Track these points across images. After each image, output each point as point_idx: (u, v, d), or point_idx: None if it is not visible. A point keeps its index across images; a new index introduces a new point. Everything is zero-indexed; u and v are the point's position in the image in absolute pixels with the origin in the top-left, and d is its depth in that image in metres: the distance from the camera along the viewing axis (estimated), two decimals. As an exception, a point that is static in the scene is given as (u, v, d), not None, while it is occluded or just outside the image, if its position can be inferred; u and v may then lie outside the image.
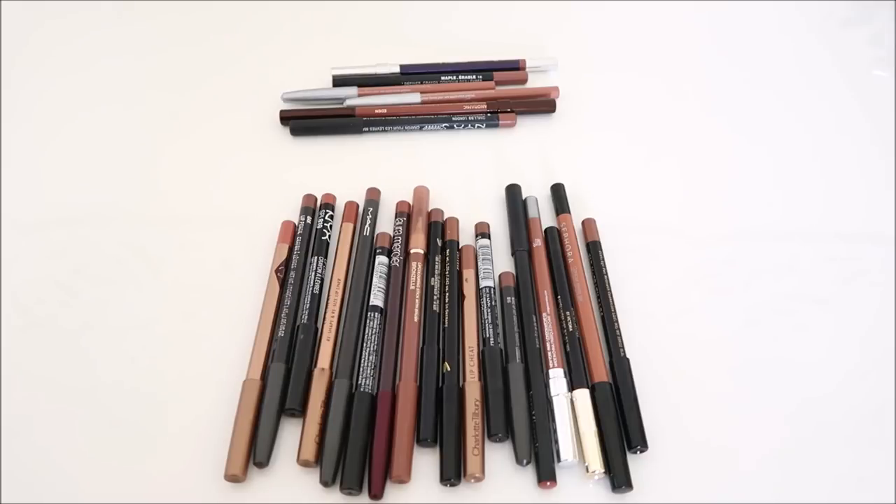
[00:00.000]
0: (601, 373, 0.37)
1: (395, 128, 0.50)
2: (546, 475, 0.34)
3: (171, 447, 0.35)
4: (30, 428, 0.36)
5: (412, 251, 0.42)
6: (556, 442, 0.35)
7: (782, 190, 0.47)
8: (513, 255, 0.43)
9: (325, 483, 0.33)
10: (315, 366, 0.37)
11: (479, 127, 0.51)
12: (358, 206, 0.45)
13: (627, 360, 0.38)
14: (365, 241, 0.43)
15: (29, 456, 0.35)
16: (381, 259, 0.42)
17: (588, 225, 0.44)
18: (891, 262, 0.43)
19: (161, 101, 0.52)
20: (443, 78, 0.53)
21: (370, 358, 0.37)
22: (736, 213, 0.46)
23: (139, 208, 0.45)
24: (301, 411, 0.36)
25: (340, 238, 0.43)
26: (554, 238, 0.43)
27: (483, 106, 0.51)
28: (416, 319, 0.39)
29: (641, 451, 0.35)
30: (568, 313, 0.40)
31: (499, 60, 0.54)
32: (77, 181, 0.47)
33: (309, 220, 0.44)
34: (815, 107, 0.53)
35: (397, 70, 0.53)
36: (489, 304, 0.40)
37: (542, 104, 0.52)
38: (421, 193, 0.46)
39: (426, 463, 0.35)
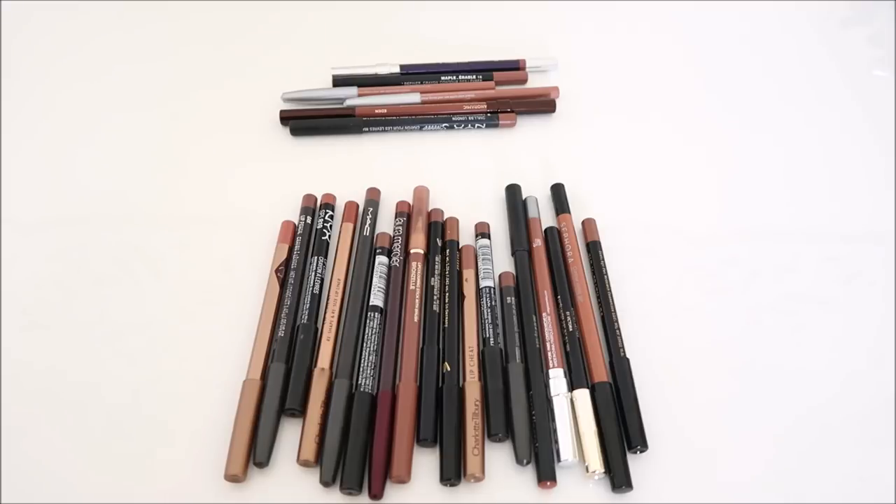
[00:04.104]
0: (601, 373, 0.37)
1: (395, 128, 0.50)
2: (546, 475, 0.34)
3: (171, 447, 0.35)
4: (29, 428, 0.36)
5: (412, 251, 0.42)
6: (556, 442, 0.35)
7: (782, 190, 0.47)
8: (513, 255, 0.43)
9: (326, 483, 0.33)
10: (315, 366, 0.37)
11: (479, 127, 0.51)
12: (358, 206, 0.45)
13: (627, 360, 0.38)
14: (365, 241, 0.43)
15: (29, 456, 0.35)
16: (381, 259, 0.42)
17: (588, 225, 0.44)
18: (891, 262, 0.43)
19: (161, 102, 0.52)
20: (443, 78, 0.53)
21: (370, 358, 0.37)
22: (736, 213, 0.46)
23: (139, 208, 0.45)
24: (301, 411, 0.36)
25: (340, 238, 0.43)
26: (554, 238, 0.43)
27: (483, 106, 0.51)
28: (416, 319, 0.39)
29: (641, 451, 0.35)
30: (568, 313, 0.40)
31: (499, 60, 0.54)
32: (77, 181, 0.47)
33: (309, 220, 0.44)
34: (815, 107, 0.53)
35: (397, 70, 0.53)
36: (489, 304, 0.40)
37: (542, 104, 0.52)
38: (421, 193, 0.46)
39: (426, 463, 0.35)
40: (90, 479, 0.34)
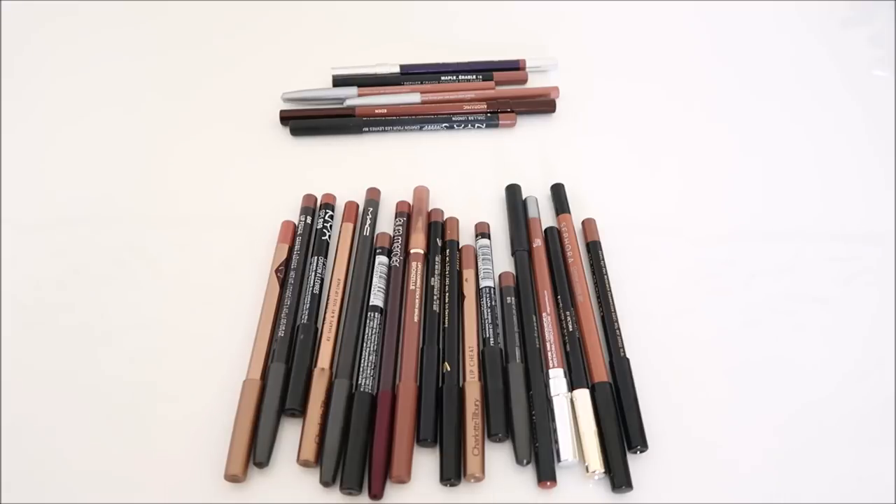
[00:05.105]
0: (601, 373, 0.37)
1: (395, 128, 0.50)
2: (546, 475, 0.34)
3: (171, 447, 0.35)
4: (29, 428, 0.36)
5: (412, 251, 0.42)
6: (556, 442, 0.35)
7: (782, 190, 0.47)
8: (513, 255, 0.43)
9: (326, 483, 0.33)
10: (315, 366, 0.37)
11: (479, 127, 0.51)
12: (358, 206, 0.45)
13: (627, 360, 0.38)
14: (365, 241, 0.43)
15: (29, 456, 0.35)
16: (381, 259, 0.42)
17: (588, 225, 0.44)
18: (890, 262, 0.43)
19: (161, 102, 0.52)
20: (443, 78, 0.53)
21: (370, 358, 0.37)
22: (736, 213, 0.46)
23: (139, 208, 0.45)
24: (301, 411, 0.36)
25: (340, 238, 0.43)
26: (554, 238, 0.43)
27: (483, 106, 0.51)
28: (416, 319, 0.39)
29: (641, 451, 0.35)
30: (568, 313, 0.40)
31: (499, 60, 0.54)
32: (77, 181, 0.47)
33: (309, 220, 0.44)
34: (815, 107, 0.53)
35: (397, 70, 0.53)
36: (489, 304, 0.40)
37: (542, 104, 0.52)
38: (421, 193, 0.46)
39: (426, 463, 0.35)
40: (90, 478, 0.34)
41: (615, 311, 0.40)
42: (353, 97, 0.52)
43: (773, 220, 0.46)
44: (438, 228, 0.44)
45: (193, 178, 0.47)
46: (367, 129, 0.50)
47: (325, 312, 0.39)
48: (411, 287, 0.40)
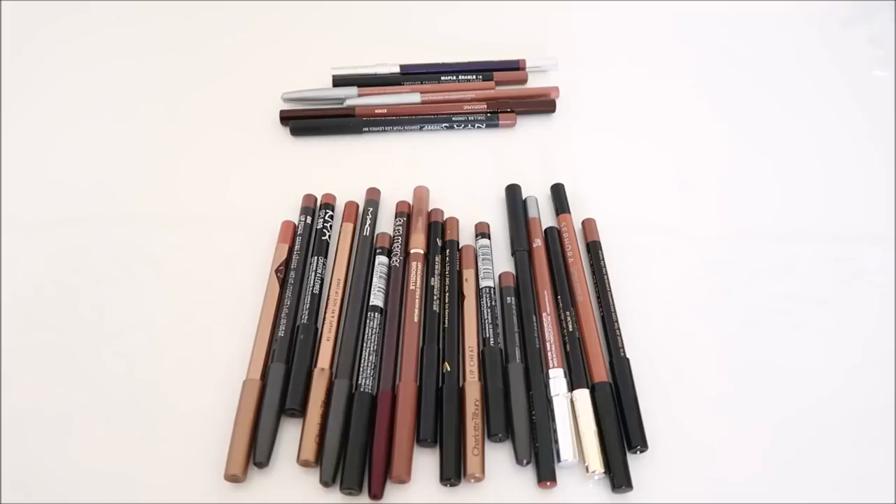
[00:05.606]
0: (601, 373, 0.37)
1: (395, 128, 0.50)
2: (546, 475, 0.34)
3: (171, 447, 0.35)
4: (30, 428, 0.36)
5: (412, 251, 0.42)
6: (556, 442, 0.35)
7: (782, 190, 0.47)
8: (513, 255, 0.43)
9: (325, 483, 0.33)
10: (315, 366, 0.37)
11: (479, 127, 0.51)
12: (358, 206, 0.45)
13: (627, 360, 0.38)
14: (365, 241, 0.43)
15: (29, 456, 0.35)
16: (381, 259, 0.42)
17: (588, 225, 0.44)
18: (890, 262, 0.43)
19: (161, 102, 0.52)
20: (443, 78, 0.53)
21: (370, 358, 0.37)
22: (736, 213, 0.46)
23: (139, 208, 0.45)
24: (301, 411, 0.36)
25: (340, 238, 0.43)
26: (554, 238, 0.43)
27: (483, 106, 0.51)
28: (416, 319, 0.39)
29: (641, 451, 0.35)
30: (568, 313, 0.40)
31: (499, 60, 0.54)
32: (77, 181, 0.47)
33: (309, 220, 0.44)
34: (815, 107, 0.53)
35: (397, 70, 0.53)
36: (489, 304, 0.40)
37: (542, 104, 0.52)
38: (421, 193, 0.46)
39: (426, 463, 0.35)
40: (90, 478, 0.34)
41: (615, 311, 0.40)
42: (353, 97, 0.52)
43: (774, 220, 0.46)
44: (438, 228, 0.44)
45: (193, 177, 0.47)
46: (367, 129, 0.50)
47: (325, 312, 0.39)
48: (411, 287, 0.40)
